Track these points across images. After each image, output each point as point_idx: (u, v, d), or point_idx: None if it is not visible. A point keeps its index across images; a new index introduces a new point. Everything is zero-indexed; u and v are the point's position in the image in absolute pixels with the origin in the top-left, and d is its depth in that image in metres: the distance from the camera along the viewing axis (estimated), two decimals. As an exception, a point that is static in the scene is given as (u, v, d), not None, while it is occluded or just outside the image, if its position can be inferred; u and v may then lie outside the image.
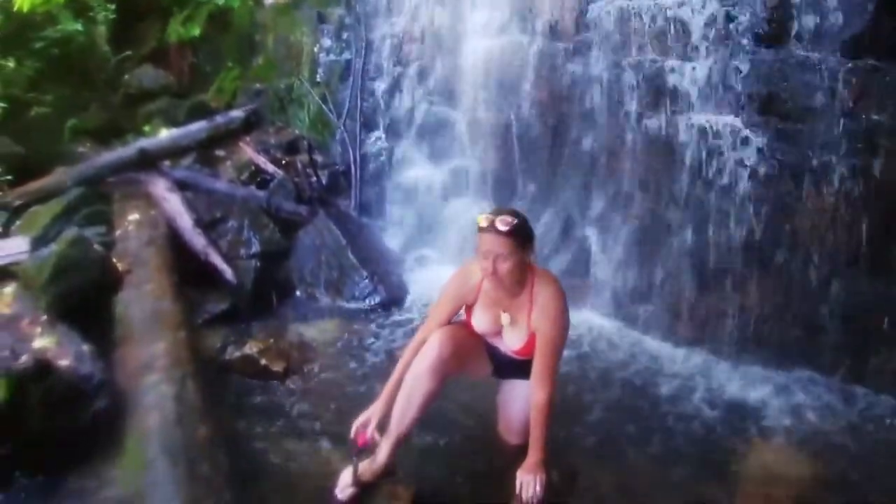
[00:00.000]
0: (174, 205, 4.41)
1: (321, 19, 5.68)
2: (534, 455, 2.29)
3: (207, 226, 4.31)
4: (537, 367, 2.29)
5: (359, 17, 5.27)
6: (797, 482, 2.58)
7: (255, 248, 4.11)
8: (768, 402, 3.06)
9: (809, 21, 3.53)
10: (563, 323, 2.33)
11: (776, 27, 3.54)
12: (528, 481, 2.24)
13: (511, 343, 2.41)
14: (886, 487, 2.56)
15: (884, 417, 2.99)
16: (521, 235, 2.24)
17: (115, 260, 3.71)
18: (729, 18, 3.53)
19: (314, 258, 4.09)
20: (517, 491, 2.25)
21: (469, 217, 3.99)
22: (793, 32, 3.54)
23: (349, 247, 4.00)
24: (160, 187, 4.59)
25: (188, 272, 3.85)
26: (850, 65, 3.33)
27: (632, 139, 3.68)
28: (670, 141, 3.53)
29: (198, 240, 4.14)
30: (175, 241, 4.12)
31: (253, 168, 4.91)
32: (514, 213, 2.27)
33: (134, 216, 4.28)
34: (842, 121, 3.25)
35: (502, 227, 2.17)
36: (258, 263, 3.99)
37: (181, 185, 4.68)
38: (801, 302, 3.28)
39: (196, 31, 6.91)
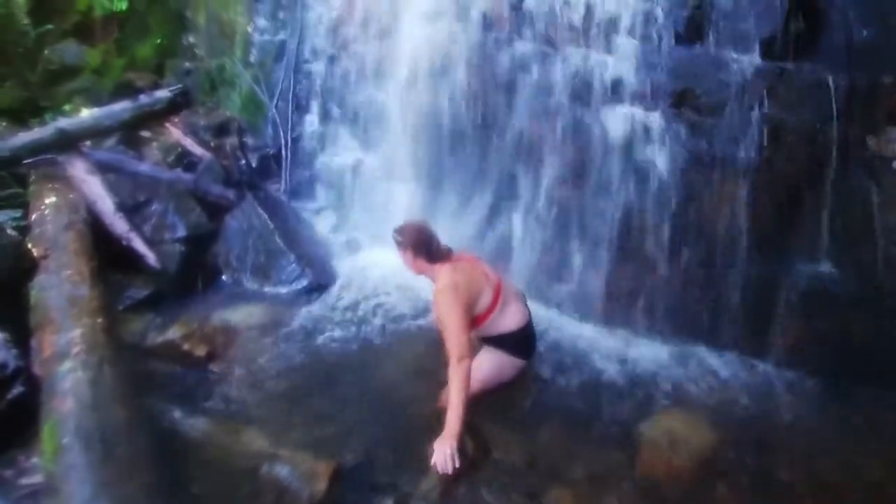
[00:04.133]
0: (94, 188, 4.32)
1: (256, -1, 5.66)
2: (448, 426, 2.53)
3: (131, 209, 4.25)
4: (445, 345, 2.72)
5: (294, -3, 5.27)
6: (697, 448, 2.83)
7: (181, 232, 4.10)
8: (675, 375, 3.33)
9: (725, 22, 3.82)
10: (444, 308, 2.77)
11: (694, 27, 3.81)
12: (441, 451, 2.46)
13: None
14: (782, 451, 2.84)
15: (780, 389, 3.31)
16: (407, 246, 2.96)
17: (30, 245, 3.64)
18: (651, 16, 3.78)
19: (241, 242, 4.12)
20: (431, 461, 2.43)
21: (400, 202, 4.14)
22: (709, 32, 3.83)
23: (277, 231, 4.04)
24: (80, 169, 4.48)
25: (111, 257, 3.81)
26: (759, 65, 3.63)
27: (556, 128, 3.88)
28: (591, 131, 3.76)
29: (119, 224, 4.09)
30: (96, 226, 4.06)
31: (180, 150, 4.87)
32: (402, 230, 2.99)
33: (51, 199, 4.17)
34: (750, 116, 3.55)
35: (394, 242, 2.98)
36: (183, 248, 3.99)
37: (103, 168, 4.57)
38: (706, 283, 3.59)
39: (123, 6, 6.71)
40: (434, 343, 3.36)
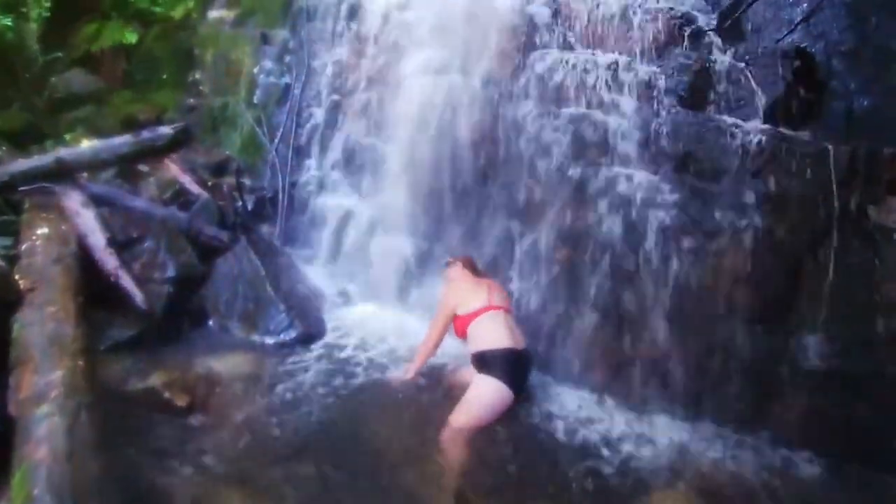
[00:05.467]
0: (87, 221, 4.32)
1: (265, 40, 5.78)
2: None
3: (122, 245, 4.23)
4: None
5: (303, 42, 5.39)
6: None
7: (171, 272, 4.06)
8: (670, 452, 3.25)
9: (727, 88, 3.91)
10: (441, 299, 3.62)
11: (696, 92, 3.90)
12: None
13: None
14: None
15: (780, 470, 3.23)
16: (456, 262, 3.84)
17: (17, 276, 3.60)
18: (654, 80, 3.86)
19: (231, 287, 4.09)
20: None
21: (395, 254, 4.14)
22: (711, 98, 3.91)
23: (268, 278, 4.02)
24: (75, 201, 4.49)
25: (97, 293, 3.77)
26: (762, 132, 3.70)
27: (556, 186, 3.92)
28: (592, 191, 3.79)
29: (109, 260, 4.07)
30: (85, 260, 4.04)
31: (177, 187, 4.88)
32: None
33: (43, 230, 4.15)
34: (751, 184, 3.58)
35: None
36: (171, 289, 3.94)
37: (98, 201, 4.58)
38: (705, 354, 3.54)
39: (133, 39, 6.86)
40: (424, 399, 3.34)
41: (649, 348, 3.60)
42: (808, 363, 3.45)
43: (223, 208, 4.58)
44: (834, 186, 3.54)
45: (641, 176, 3.67)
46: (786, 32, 4.58)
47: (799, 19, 4.59)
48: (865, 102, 4.21)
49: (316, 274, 4.56)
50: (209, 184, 4.95)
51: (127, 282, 3.97)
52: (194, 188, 4.82)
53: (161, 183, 4.97)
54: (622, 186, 3.66)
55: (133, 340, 3.74)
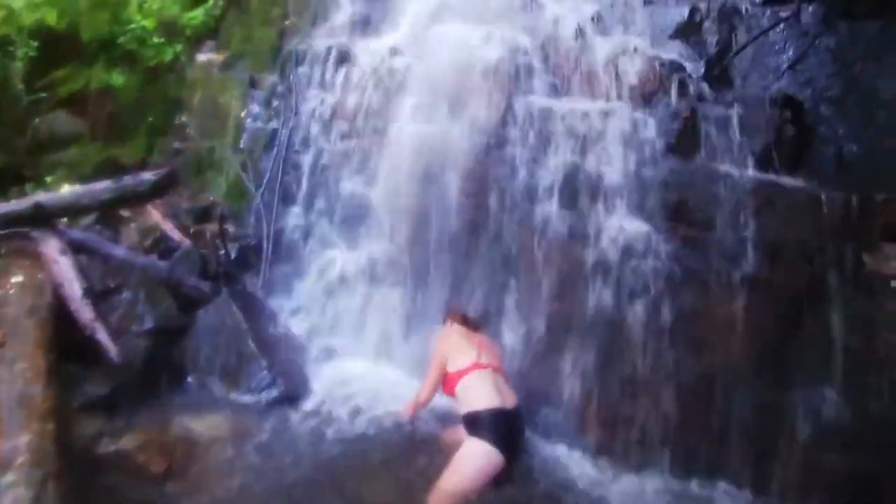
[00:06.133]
0: (65, 269, 4.22)
1: (253, 84, 5.78)
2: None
3: (99, 295, 4.13)
4: None
5: (291, 86, 5.39)
6: None
7: (149, 324, 3.96)
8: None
9: (716, 135, 3.92)
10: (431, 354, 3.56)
11: (686, 139, 3.91)
12: None
13: None
14: None
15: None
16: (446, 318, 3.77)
17: (-13, 329, 3.49)
18: (643, 126, 3.87)
19: (211, 342, 3.97)
20: None
21: (382, 307, 4.05)
22: (701, 145, 3.92)
23: (250, 332, 3.91)
24: (52, 248, 4.39)
25: (71, 346, 3.67)
26: (753, 179, 3.70)
27: (546, 236, 3.87)
28: (582, 242, 3.74)
29: (85, 311, 3.96)
30: (60, 311, 3.93)
31: (158, 234, 4.79)
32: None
33: (18, 278, 4.05)
34: (745, 233, 3.56)
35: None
36: (149, 343, 3.84)
37: (76, 248, 4.49)
38: (705, 410, 3.45)
39: (120, 81, 6.84)
40: (413, 462, 3.22)
41: (645, 405, 3.51)
42: (809, 418, 3.37)
43: (205, 257, 4.49)
44: (829, 234, 3.52)
45: (633, 225, 3.64)
46: (773, 79, 4.66)
47: (785, 66, 4.67)
48: (854, 148, 4.25)
49: (300, 326, 4.43)
50: (192, 231, 4.87)
51: (102, 335, 3.86)
52: (176, 235, 4.74)
53: (142, 229, 4.88)
54: (614, 236, 3.62)
55: (107, 397, 3.62)
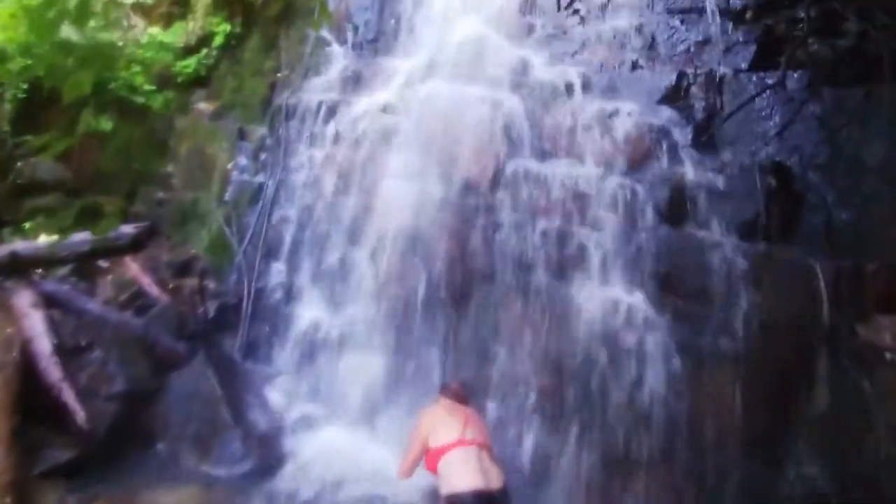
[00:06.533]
0: (36, 324, 4.11)
1: (242, 136, 5.78)
2: None
3: (69, 353, 4.01)
4: None
5: (280, 139, 5.39)
6: None
7: (119, 386, 3.83)
8: None
9: (706, 203, 3.91)
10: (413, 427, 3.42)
11: (676, 206, 3.89)
12: None
13: None
14: None
15: None
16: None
17: (-51, 390, 3.35)
18: (632, 193, 3.86)
19: (184, 408, 3.83)
20: None
21: (363, 373, 3.92)
22: (691, 212, 3.90)
23: (225, 400, 3.76)
24: (25, 300, 4.29)
25: (35, 407, 3.53)
26: (743, 248, 3.66)
27: (535, 305, 3.80)
28: (573, 311, 3.67)
29: (53, 371, 3.84)
30: (27, 368, 3.80)
31: (136, 289, 4.69)
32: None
33: (-14, 333, 3.95)
34: (737, 304, 3.51)
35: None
36: (118, 406, 3.70)
37: (49, 301, 4.38)
38: (697, 487, 3.33)
39: (108, 126, 6.82)
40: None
41: (639, 482, 3.38)
42: (805, 494, 3.26)
43: (183, 315, 4.38)
44: (820, 305, 3.48)
45: (624, 296, 3.58)
46: (761, 145, 4.69)
47: (773, 132, 4.71)
48: (844, 215, 4.24)
49: (278, 393, 4.27)
50: (170, 286, 4.77)
51: (69, 396, 3.73)
52: (154, 290, 4.63)
53: (119, 283, 4.78)
54: (605, 306, 3.56)
55: (72, 464, 3.47)
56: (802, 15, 4.41)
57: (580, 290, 3.65)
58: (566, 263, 3.77)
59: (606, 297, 3.58)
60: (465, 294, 4.08)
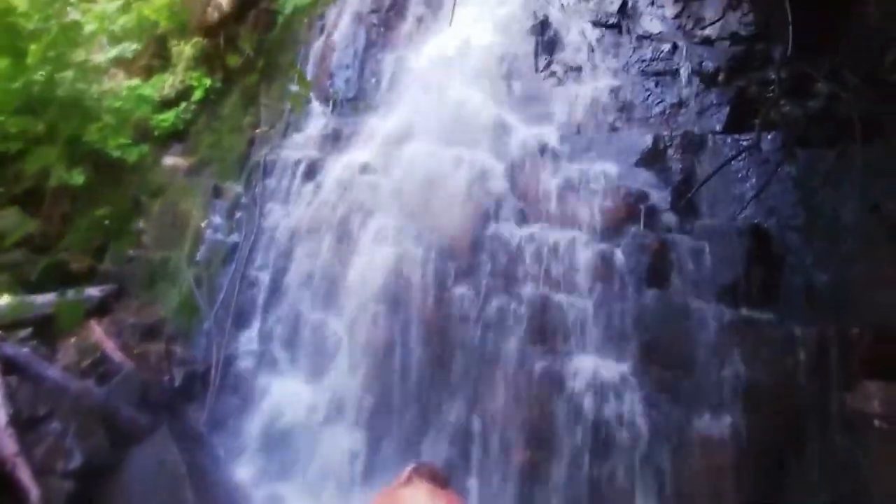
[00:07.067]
0: (-9, 393, 3.93)
1: (216, 194, 5.70)
2: None
3: (25, 423, 3.83)
4: None
5: (256, 198, 5.32)
6: None
7: (77, 461, 3.65)
8: None
9: (687, 268, 3.90)
10: None
11: (657, 272, 3.87)
12: None
13: None
14: None
15: None
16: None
17: None
18: (613, 259, 3.84)
19: (145, 485, 3.62)
20: None
21: (337, 449, 3.76)
22: (672, 278, 3.88)
23: (188, 478, 3.55)
24: (-20, 366, 4.11)
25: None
26: (725, 316, 3.63)
27: (516, 376, 3.71)
28: (554, 383, 3.58)
29: (8, 444, 3.67)
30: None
31: (98, 354, 4.51)
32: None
33: (-64, 401, 3.75)
34: (720, 373, 3.45)
35: None
36: (74, 484, 3.51)
37: (7, 365, 4.20)
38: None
39: (80, 180, 6.72)
40: None
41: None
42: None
43: (147, 383, 4.20)
44: (807, 373, 3.44)
45: (606, 366, 3.51)
46: (739, 208, 4.73)
47: (750, 195, 4.76)
48: (824, 278, 4.25)
49: (246, 470, 4.07)
50: (135, 351, 4.59)
51: (24, 472, 3.54)
52: (117, 356, 4.46)
53: (82, 347, 4.60)
54: (587, 378, 3.48)
55: (20, 552, 3.23)
56: (773, 77, 4.50)
57: (561, 360, 3.57)
58: (546, 331, 3.70)
59: (588, 368, 3.50)
60: (444, 364, 3.98)
